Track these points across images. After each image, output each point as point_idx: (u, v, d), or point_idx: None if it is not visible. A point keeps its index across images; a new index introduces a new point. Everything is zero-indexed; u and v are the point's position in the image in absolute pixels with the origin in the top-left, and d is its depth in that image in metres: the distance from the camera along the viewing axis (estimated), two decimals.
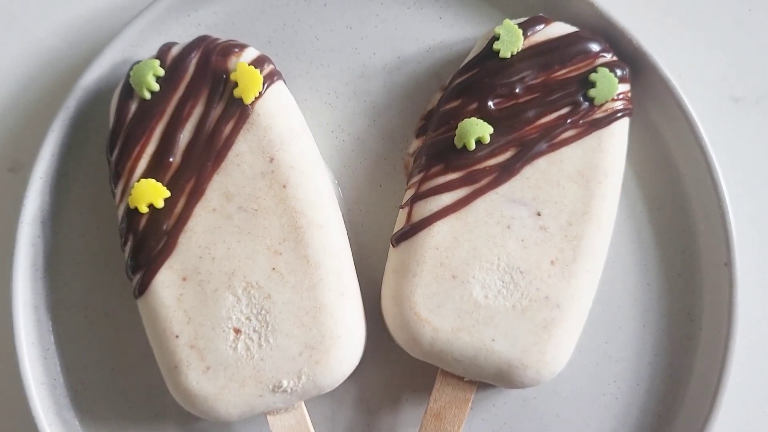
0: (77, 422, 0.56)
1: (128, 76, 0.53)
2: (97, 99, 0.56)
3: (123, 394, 0.56)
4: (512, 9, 0.58)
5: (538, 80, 0.54)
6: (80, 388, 0.56)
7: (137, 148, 0.52)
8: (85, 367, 0.56)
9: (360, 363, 0.54)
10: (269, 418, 0.52)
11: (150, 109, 0.52)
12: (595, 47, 0.54)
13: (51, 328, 0.56)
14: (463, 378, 0.53)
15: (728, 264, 0.55)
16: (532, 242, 0.52)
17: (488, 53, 0.54)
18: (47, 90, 0.60)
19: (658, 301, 0.58)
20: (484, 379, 0.52)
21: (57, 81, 0.60)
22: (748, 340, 0.56)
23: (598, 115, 0.54)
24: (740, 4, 0.62)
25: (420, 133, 0.57)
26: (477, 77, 0.54)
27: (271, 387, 0.50)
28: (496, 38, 0.54)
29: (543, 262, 0.52)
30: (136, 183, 0.51)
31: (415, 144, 0.57)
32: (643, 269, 0.58)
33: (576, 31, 0.55)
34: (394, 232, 0.54)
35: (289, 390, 0.50)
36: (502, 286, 0.52)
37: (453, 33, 0.59)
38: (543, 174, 0.53)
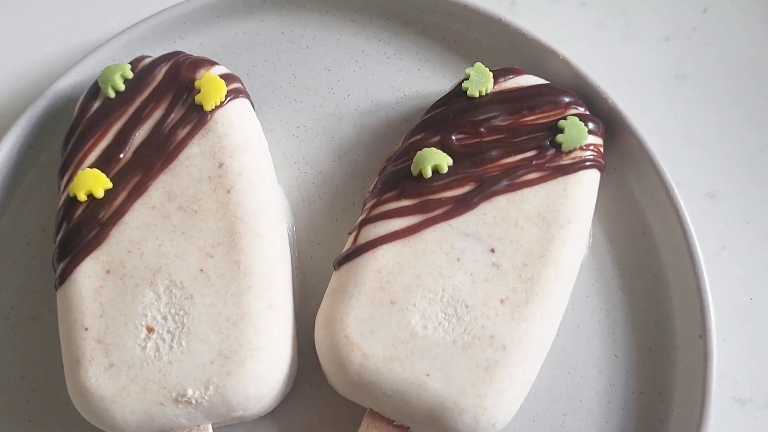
0: None
1: (99, 77, 0.53)
2: (68, 107, 0.56)
3: (28, 404, 0.51)
4: (491, 66, 0.58)
5: (505, 123, 0.52)
6: None
7: (90, 141, 0.51)
8: None
9: (286, 403, 0.49)
10: None
11: (111, 107, 0.52)
12: (566, 99, 0.53)
13: None
14: (393, 422, 0.47)
15: (703, 336, 0.50)
16: (482, 278, 0.48)
17: (457, 92, 0.54)
18: (24, 95, 0.60)
19: (625, 375, 0.52)
20: (416, 423, 0.46)
21: (35, 85, 0.60)
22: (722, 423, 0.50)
23: (566, 161, 0.51)
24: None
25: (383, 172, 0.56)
26: (442, 113, 0.53)
27: (174, 395, 0.45)
28: (466, 78, 0.54)
29: (492, 300, 0.48)
30: (80, 171, 0.50)
31: None
32: (611, 339, 0.53)
33: (548, 83, 0.54)
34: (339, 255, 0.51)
35: (194, 401, 0.45)
36: (444, 318, 0.47)
37: (429, 84, 0.59)
38: (501, 212, 0.50)
